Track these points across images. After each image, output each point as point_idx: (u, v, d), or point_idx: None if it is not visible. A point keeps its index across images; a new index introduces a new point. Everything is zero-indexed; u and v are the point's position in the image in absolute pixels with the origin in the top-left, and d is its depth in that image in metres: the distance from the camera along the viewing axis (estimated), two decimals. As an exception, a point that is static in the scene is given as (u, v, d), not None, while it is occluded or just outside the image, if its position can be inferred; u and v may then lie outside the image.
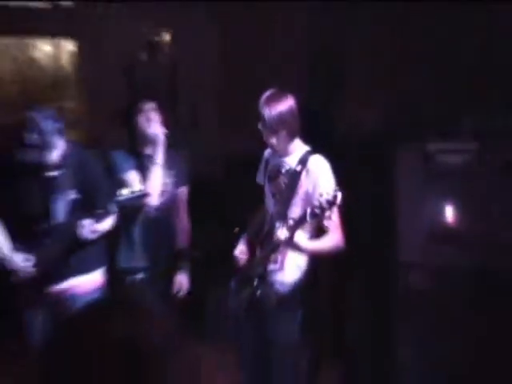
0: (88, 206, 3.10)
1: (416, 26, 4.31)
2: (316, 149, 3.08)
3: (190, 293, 3.66)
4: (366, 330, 4.06)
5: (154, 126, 3.39)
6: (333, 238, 2.96)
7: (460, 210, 3.63)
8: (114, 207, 3.01)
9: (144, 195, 3.12)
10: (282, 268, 3.04)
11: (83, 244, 3.12)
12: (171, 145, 3.48)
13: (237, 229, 3.25)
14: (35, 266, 3.09)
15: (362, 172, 4.13)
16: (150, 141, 3.40)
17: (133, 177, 3.40)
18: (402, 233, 3.70)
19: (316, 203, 2.67)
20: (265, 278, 3.04)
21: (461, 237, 3.57)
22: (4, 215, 3.16)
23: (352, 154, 4.31)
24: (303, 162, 2.99)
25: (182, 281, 3.59)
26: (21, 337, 3.30)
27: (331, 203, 2.63)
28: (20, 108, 6.31)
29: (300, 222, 2.79)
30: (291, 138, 3.00)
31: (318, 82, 5.11)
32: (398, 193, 3.72)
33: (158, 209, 3.44)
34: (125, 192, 3.01)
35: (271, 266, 3.04)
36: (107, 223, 3.18)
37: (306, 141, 3.11)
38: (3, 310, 3.30)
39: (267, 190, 3.17)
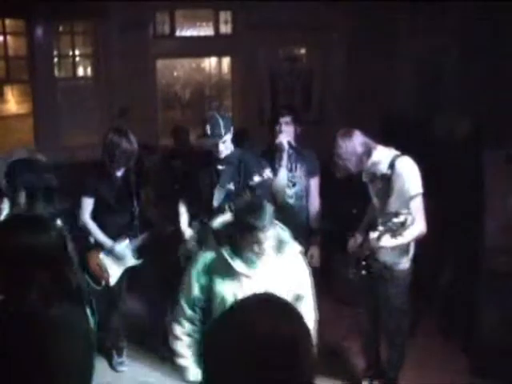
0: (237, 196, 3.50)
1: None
2: (409, 151, 3.31)
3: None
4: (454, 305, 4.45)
5: (281, 136, 3.88)
6: (417, 227, 3.21)
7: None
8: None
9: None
10: (384, 252, 3.34)
11: None
12: (301, 146, 3.94)
13: (355, 210, 3.61)
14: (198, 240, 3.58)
15: (454, 169, 4.53)
16: (277, 148, 3.94)
17: (268, 174, 3.78)
18: (488, 222, 4.04)
19: (392, 221, 3.00)
20: (371, 259, 3.36)
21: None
22: (186, 196, 3.81)
23: (445, 154, 4.79)
24: (392, 165, 3.25)
25: (313, 253, 4.00)
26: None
27: (402, 224, 2.98)
28: (191, 104, 7.93)
29: (382, 233, 3.10)
30: (364, 161, 3.30)
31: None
32: (485, 187, 4.07)
33: (293, 196, 3.98)
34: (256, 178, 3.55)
35: (375, 250, 3.32)
36: None
37: (404, 144, 3.35)
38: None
39: (370, 189, 3.46)
